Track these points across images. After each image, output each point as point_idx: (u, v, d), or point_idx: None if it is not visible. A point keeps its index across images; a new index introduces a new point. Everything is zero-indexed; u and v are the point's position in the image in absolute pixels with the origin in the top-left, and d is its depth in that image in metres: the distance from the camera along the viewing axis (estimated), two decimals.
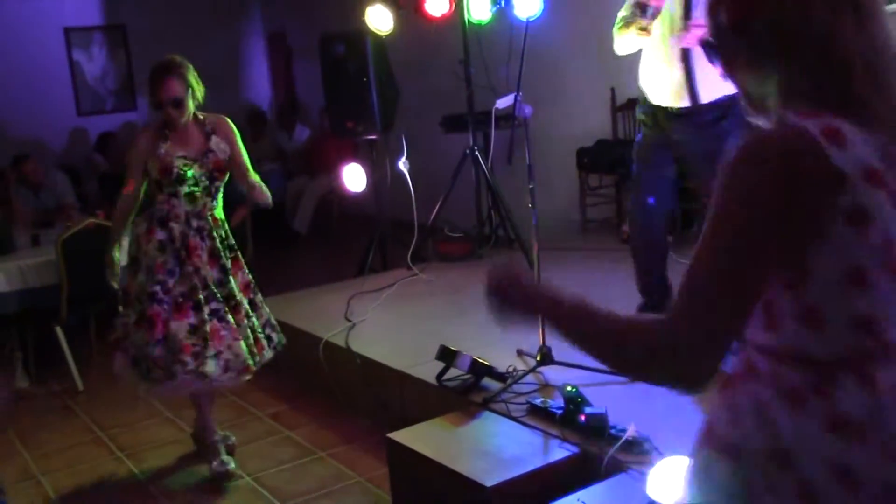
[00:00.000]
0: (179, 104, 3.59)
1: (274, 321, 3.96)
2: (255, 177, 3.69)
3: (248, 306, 3.76)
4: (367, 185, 6.31)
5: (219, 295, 3.64)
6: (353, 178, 6.15)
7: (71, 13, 9.44)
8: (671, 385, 1.29)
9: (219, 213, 3.77)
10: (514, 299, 1.39)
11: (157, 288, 3.58)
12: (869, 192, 1.18)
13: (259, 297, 3.89)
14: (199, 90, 3.67)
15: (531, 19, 4.26)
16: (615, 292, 4.02)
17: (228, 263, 3.72)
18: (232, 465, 3.78)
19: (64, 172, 7.20)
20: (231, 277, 3.70)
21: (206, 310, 3.58)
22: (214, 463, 3.77)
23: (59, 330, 5.01)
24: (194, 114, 3.69)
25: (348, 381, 4.41)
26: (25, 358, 5.24)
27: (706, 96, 3.69)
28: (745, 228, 1.20)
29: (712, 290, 1.21)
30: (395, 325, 4.77)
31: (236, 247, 3.83)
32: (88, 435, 4.43)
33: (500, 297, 1.41)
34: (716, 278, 1.21)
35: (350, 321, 4.79)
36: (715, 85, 3.50)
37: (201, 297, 3.58)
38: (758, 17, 1.26)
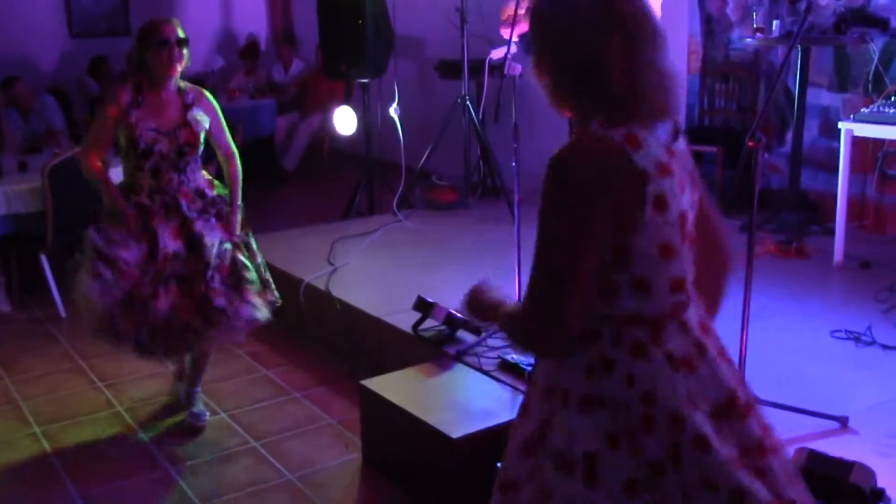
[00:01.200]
0: (185, 44, 3.44)
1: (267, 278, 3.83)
2: (233, 147, 3.68)
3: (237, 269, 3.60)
4: (358, 127, 6.30)
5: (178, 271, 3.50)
6: (344, 120, 6.15)
7: None
8: (543, 356, 1.63)
9: (196, 184, 3.58)
10: (477, 309, 1.73)
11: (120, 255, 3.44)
12: (663, 181, 1.49)
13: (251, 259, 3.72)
14: (188, 57, 3.52)
15: None
16: None
17: (200, 229, 3.53)
18: (206, 418, 3.80)
19: (53, 96, 7.14)
20: (202, 246, 3.51)
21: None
22: (189, 412, 3.83)
23: (43, 257, 5.05)
24: (178, 81, 3.55)
25: (327, 325, 4.47)
26: (8, 282, 5.28)
27: None
28: (571, 224, 1.46)
29: (549, 278, 1.49)
30: (376, 272, 4.83)
31: (224, 209, 3.65)
32: (69, 363, 4.50)
33: (470, 308, 1.74)
34: (551, 268, 1.49)
35: (332, 265, 4.84)
36: None
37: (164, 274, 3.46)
38: (542, 53, 1.54)
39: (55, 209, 4.92)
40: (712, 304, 1.76)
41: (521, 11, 3.99)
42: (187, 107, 3.52)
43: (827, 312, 4.08)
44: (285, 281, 4.77)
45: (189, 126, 3.49)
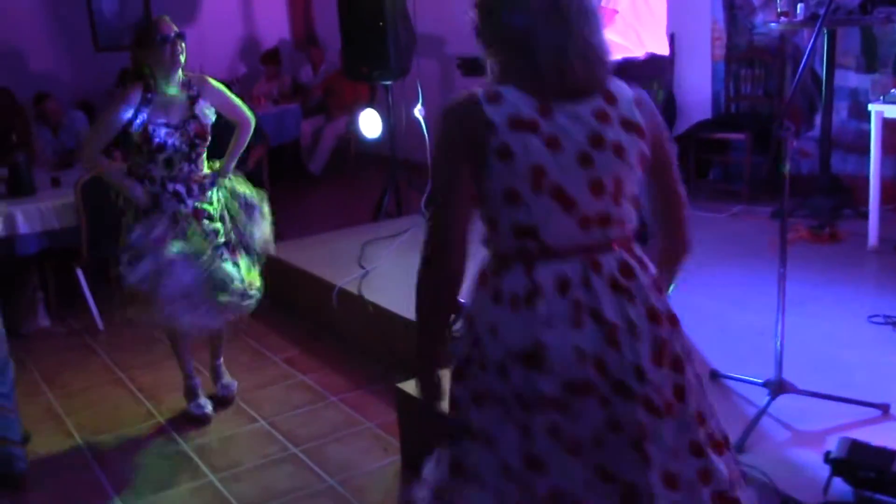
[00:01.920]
0: (182, 38, 3.59)
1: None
2: (248, 114, 3.88)
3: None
4: (383, 129, 6.32)
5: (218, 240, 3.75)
6: (369, 123, 6.16)
7: None
8: (441, 290, 1.77)
9: (201, 170, 3.78)
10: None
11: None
12: (513, 135, 1.65)
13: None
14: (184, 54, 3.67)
15: None
16: None
17: (213, 210, 3.78)
18: (235, 388, 4.13)
19: (82, 111, 7.23)
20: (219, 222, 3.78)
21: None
22: (219, 385, 4.14)
23: (79, 271, 5.13)
24: (181, 74, 3.68)
25: (361, 328, 4.50)
26: (46, 298, 5.36)
27: None
28: (441, 162, 1.74)
29: (436, 210, 1.75)
30: (408, 274, 4.80)
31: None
32: (109, 375, 4.56)
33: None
34: (436, 201, 1.74)
35: (363, 268, 4.87)
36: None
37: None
38: (480, 20, 1.73)
39: (89, 223, 4.98)
40: (671, 263, 1.92)
41: None
42: (193, 99, 3.68)
43: (863, 297, 4.03)
44: (318, 285, 4.81)
45: (197, 119, 3.66)
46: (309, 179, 8.53)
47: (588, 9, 1.71)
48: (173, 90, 3.63)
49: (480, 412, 1.74)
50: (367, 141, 7.41)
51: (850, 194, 5.40)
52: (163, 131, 3.57)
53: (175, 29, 3.59)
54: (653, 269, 1.78)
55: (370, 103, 7.79)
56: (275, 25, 10.57)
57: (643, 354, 1.67)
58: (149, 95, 3.58)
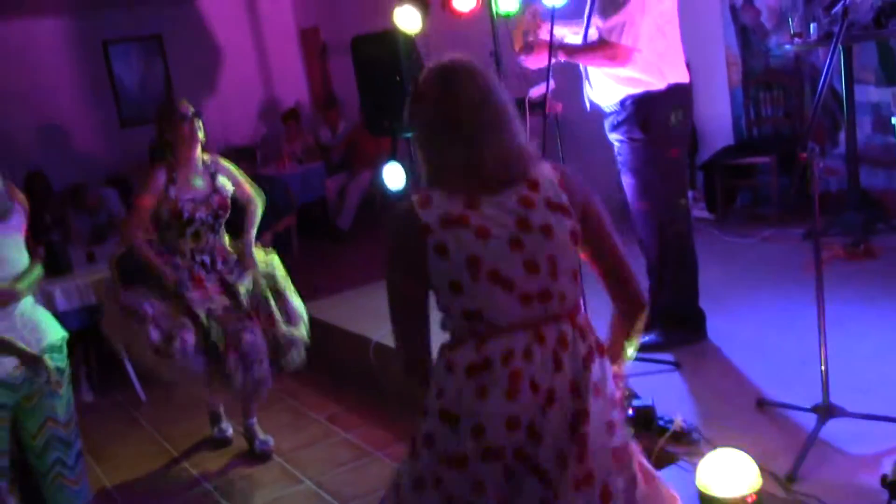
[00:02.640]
0: (199, 116, 3.84)
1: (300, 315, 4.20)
2: (253, 192, 4.16)
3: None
4: (407, 180, 6.36)
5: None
6: (393, 176, 6.21)
7: (109, 26, 9.63)
8: (417, 374, 1.95)
9: (224, 241, 4.08)
10: None
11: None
12: (446, 232, 1.83)
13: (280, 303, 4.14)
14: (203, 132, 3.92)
15: (558, 7, 4.25)
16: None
17: (234, 280, 4.01)
18: (272, 443, 4.24)
19: (113, 186, 7.38)
20: (242, 292, 4.00)
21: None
22: (256, 442, 4.24)
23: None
24: (201, 154, 3.95)
25: (400, 382, 4.49)
26: (89, 372, 5.42)
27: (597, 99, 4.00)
28: (390, 270, 1.94)
29: (394, 321, 1.97)
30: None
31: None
32: (154, 445, 4.59)
33: None
34: (390, 300, 1.96)
35: None
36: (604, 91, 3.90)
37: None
38: (414, 132, 1.94)
39: None
40: (620, 331, 2.07)
41: (538, 37, 4.04)
42: (213, 175, 3.96)
43: None
44: (354, 341, 4.83)
45: (219, 192, 3.94)
46: (338, 235, 8.59)
47: (494, 121, 1.89)
48: (195, 168, 3.88)
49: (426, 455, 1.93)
50: (392, 193, 7.47)
51: (881, 208, 5.34)
52: (191, 206, 3.83)
53: (192, 109, 3.85)
54: (595, 337, 1.94)
55: (393, 156, 7.85)
56: (293, 87, 10.77)
57: (560, 425, 1.83)
58: (174, 175, 3.83)
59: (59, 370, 2.98)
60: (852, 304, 4.10)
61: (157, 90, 10.05)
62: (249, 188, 4.16)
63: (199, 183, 3.91)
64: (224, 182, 3.98)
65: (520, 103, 6.07)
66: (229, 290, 3.98)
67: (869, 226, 5.12)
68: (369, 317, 5.05)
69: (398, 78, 5.82)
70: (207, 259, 3.97)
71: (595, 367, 1.89)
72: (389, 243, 1.93)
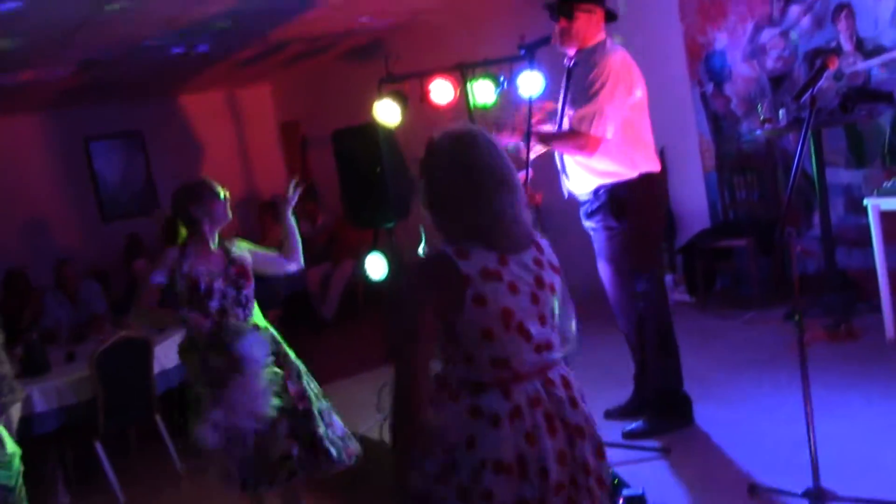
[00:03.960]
0: (226, 197, 3.70)
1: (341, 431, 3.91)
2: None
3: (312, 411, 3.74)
4: (390, 270, 6.38)
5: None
6: (375, 266, 6.23)
7: (90, 121, 9.73)
8: (410, 424, 1.96)
9: (258, 320, 3.74)
10: None
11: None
12: (486, 284, 1.96)
13: (316, 404, 3.83)
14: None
15: (534, 98, 4.35)
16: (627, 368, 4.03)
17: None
18: None
19: (95, 280, 7.33)
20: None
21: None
22: None
23: (98, 445, 5.08)
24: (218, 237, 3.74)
25: (385, 474, 4.41)
26: (65, 475, 5.28)
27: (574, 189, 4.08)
28: (407, 313, 1.99)
29: (402, 360, 1.96)
30: None
31: (284, 351, 3.78)
32: None
33: None
34: (399, 347, 1.98)
35: (382, 413, 4.82)
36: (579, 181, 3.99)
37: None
38: (428, 190, 2.06)
39: (105, 396, 4.97)
40: None
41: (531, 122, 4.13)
42: (227, 249, 3.73)
43: (892, 393, 3.97)
44: None
45: (236, 263, 3.68)
46: (321, 326, 8.55)
47: (513, 185, 2.05)
48: (209, 245, 3.67)
49: None
50: (374, 282, 7.48)
51: (859, 288, 5.40)
52: (207, 278, 3.58)
53: (220, 190, 3.73)
54: (574, 379, 2.13)
55: (374, 246, 7.89)
56: (273, 180, 10.86)
57: (588, 451, 2.04)
58: (186, 250, 3.63)
59: (6, 488, 2.85)
60: (839, 386, 4.10)
61: (138, 184, 10.11)
62: (273, 252, 3.93)
63: (215, 257, 3.66)
64: (240, 252, 3.74)
65: None
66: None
67: (848, 306, 5.17)
68: (353, 408, 4.99)
69: (378, 170, 5.90)
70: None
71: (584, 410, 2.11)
72: (414, 286, 2.01)
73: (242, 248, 3.80)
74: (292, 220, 3.98)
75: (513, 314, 1.99)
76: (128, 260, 8.84)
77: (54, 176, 9.61)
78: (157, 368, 5.22)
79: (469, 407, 1.99)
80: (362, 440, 4.53)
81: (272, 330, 3.77)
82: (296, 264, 3.94)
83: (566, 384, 2.08)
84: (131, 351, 5.11)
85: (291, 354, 3.80)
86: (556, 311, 2.10)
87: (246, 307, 3.69)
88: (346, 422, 4.75)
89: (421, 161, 2.11)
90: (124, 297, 7.78)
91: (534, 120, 4.14)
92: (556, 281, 2.11)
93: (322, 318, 8.65)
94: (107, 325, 6.10)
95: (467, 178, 2.01)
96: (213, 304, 3.60)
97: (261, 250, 3.91)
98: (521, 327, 2.01)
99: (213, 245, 3.69)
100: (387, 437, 4.44)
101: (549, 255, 2.14)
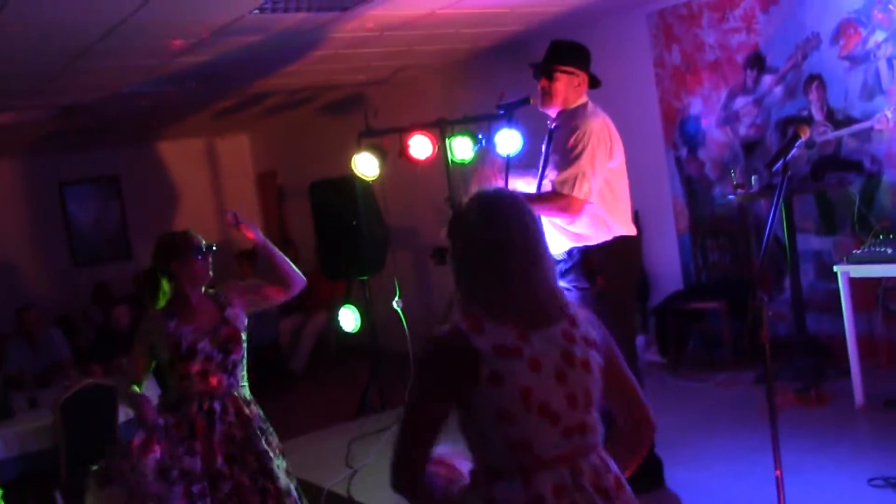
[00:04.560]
0: (213, 249, 3.43)
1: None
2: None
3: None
4: (363, 323, 6.36)
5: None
6: (348, 319, 6.21)
7: (65, 166, 9.69)
8: (397, 492, 1.92)
9: (244, 392, 3.44)
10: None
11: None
12: (501, 361, 1.82)
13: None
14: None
15: (512, 156, 4.38)
16: None
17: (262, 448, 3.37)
18: None
19: (59, 328, 7.24)
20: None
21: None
22: None
23: (58, 494, 4.96)
24: (205, 289, 3.49)
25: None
26: None
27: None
28: (421, 388, 1.89)
29: (401, 434, 1.90)
30: None
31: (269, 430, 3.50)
32: None
33: None
34: (403, 426, 1.90)
35: (351, 467, 4.75)
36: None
37: (193, 490, 3.25)
38: (452, 259, 1.94)
39: (68, 444, 4.87)
40: (631, 457, 2.06)
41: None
42: (222, 306, 3.43)
43: (861, 460, 3.98)
44: (306, 490, 4.66)
45: (229, 323, 3.39)
46: (291, 378, 8.46)
47: (543, 254, 1.94)
48: (198, 301, 3.42)
49: None
50: (346, 334, 7.45)
51: (829, 354, 5.44)
52: (192, 337, 3.30)
53: (205, 242, 3.45)
54: (614, 466, 1.94)
55: (347, 298, 7.87)
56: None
57: None
58: (172, 310, 3.37)
59: None
60: (809, 451, 4.11)
61: (112, 230, 10.06)
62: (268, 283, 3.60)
63: (205, 314, 3.39)
64: (238, 315, 3.43)
65: None
66: (228, 453, 3.32)
67: (819, 371, 5.20)
68: (321, 464, 4.92)
69: (355, 223, 5.92)
70: (218, 406, 3.32)
71: (624, 497, 1.92)
72: (427, 364, 1.90)
73: (233, 295, 3.48)
74: (267, 241, 3.57)
75: (533, 393, 1.82)
76: (101, 307, 8.74)
77: (26, 219, 9.54)
78: (122, 417, 5.13)
79: (485, 497, 1.85)
80: (329, 496, 4.46)
81: (257, 408, 3.48)
82: (297, 281, 3.59)
83: (599, 473, 1.89)
84: (97, 398, 5.02)
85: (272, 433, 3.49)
86: (593, 391, 1.91)
87: (232, 374, 3.39)
88: (313, 476, 4.70)
89: (448, 227, 1.99)
90: (93, 344, 7.69)
91: (488, 173, 4.18)
92: (593, 357, 1.92)
93: (292, 371, 8.57)
94: (72, 371, 6.01)
95: (492, 255, 1.89)
96: (195, 367, 3.31)
97: (253, 284, 3.64)
98: (545, 408, 1.83)
99: (202, 300, 3.42)
100: (353, 493, 4.38)
101: (586, 328, 1.96)
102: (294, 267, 3.59)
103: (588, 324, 1.97)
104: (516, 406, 1.82)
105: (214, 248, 3.46)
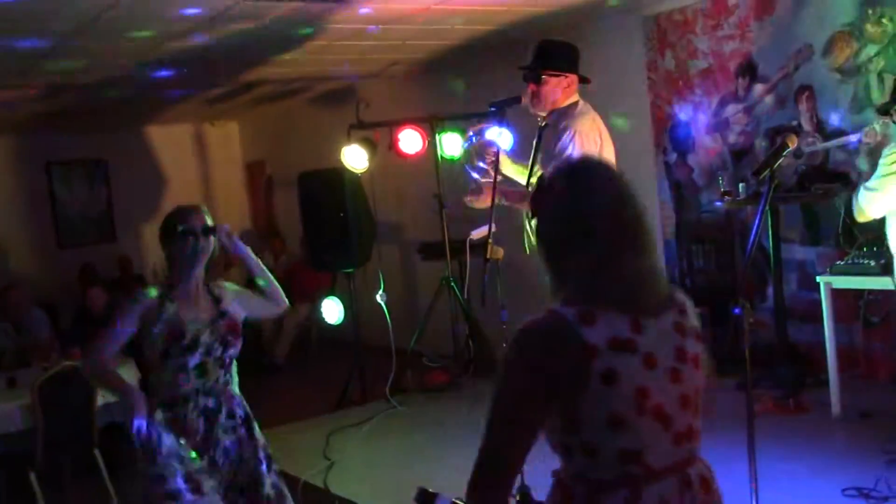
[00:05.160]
0: (211, 232, 3.13)
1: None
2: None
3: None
4: (345, 315, 6.36)
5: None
6: (331, 311, 6.21)
7: (54, 147, 9.62)
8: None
9: (234, 388, 3.20)
10: None
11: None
12: (616, 357, 1.57)
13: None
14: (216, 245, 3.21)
15: (506, 150, 4.37)
16: None
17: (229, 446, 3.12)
18: None
19: (42, 309, 7.19)
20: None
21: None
22: None
23: (32, 476, 4.92)
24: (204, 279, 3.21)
25: None
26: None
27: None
28: (516, 390, 1.61)
29: (492, 450, 1.61)
30: (375, 463, 4.74)
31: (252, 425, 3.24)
32: None
33: None
34: (494, 439, 1.61)
35: (329, 459, 4.75)
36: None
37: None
38: (540, 237, 1.73)
39: (46, 425, 4.84)
40: None
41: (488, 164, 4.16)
42: (217, 298, 3.19)
43: (835, 469, 4.01)
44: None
45: (228, 315, 3.16)
46: (272, 369, 8.44)
47: (649, 227, 1.71)
48: (196, 288, 3.14)
49: None
50: (329, 326, 7.44)
51: (809, 363, 5.47)
52: (194, 328, 3.04)
53: (207, 221, 3.14)
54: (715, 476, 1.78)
55: (332, 290, 7.86)
56: (236, 218, 10.80)
57: None
58: (174, 292, 3.09)
59: None
60: (784, 459, 4.13)
61: (97, 213, 10.00)
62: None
63: (203, 304, 3.13)
64: (234, 307, 3.19)
65: (461, 245, 6.20)
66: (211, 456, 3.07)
67: (798, 379, 5.23)
68: (299, 454, 4.92)
69: (342, 215, 5.91)
70: (214, 405, 3.07)
71: None
72: (523, 361, 1.61)
73: (230, 293, 3.25)
74: (251, 254, 3.34)
75: (649, 394, 1.58)
76: (82, 288, 8.68)
77: (11, 198, 9.47)
78: (101, 401, 5.11)
79: None
80: (305, 487, 4.46)
81: (245, 404, 3.24)
82: (281, 303, 3.38)
83: (706, 485, 1.70)
84: (76, 381, 4.99)
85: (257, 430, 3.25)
86: (700, 391, 1.69)
87: (227, 370, 3.15)
88: (290, 467, 4.69)
89: (531, 200, 1.78)
90: (72, 327, 7.65)
91: (488, 162, 4.16)
92: (701, 352, 1.70)
93: (273, 361, 8.55)
94: (53, 354, 5.97)
95: (600, 229, 1.64)
96: (193, 361, 3.04)
97: (248, 294, 3.36)
98: (659, 411, 1.60)
99: (200, 287, 3.15)
100: (330, 485, 4.37)
101: (692, 318, 1.72)
102: (279, 289, 3.40)
103: (693, 314, 1.74)
104: (630, 409, 1.57)
105: (214, 229, 3.16)
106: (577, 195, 1.68)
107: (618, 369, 1.56)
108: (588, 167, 1.76)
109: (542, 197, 1.74)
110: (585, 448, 1.60)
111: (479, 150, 4.20)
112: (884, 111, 3.93)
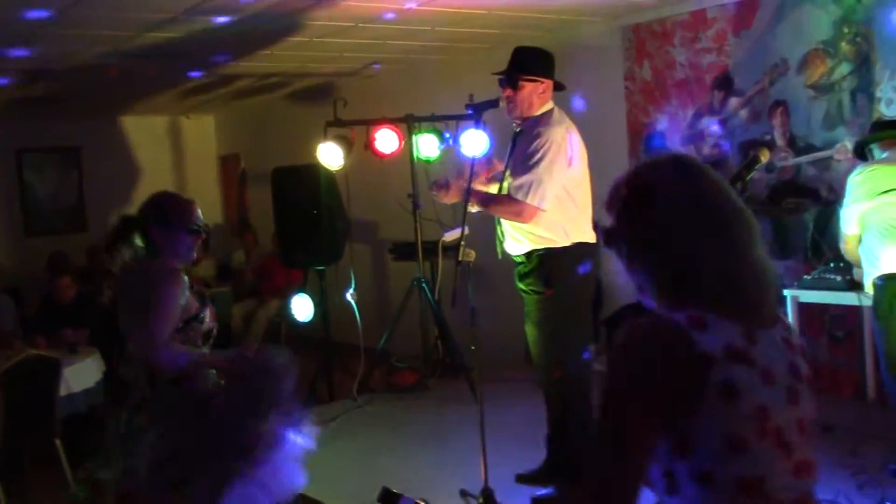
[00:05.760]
0: (207, 232, 3.10)
1: None
2: None
3: None
4: (315, 312, 6.34)
5: None
6: (301, 308, 6.18)
7: (26, 134, 9.50)
8: None
9: None
10: None
11: None
12: (734, 368, 1.38)
13: None
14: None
15: (477, 157, 4.39)
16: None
17: None
18: None
19: (8, 295, 7.10)
20: None
21: None
22: None
23: None
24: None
25: None
26: None
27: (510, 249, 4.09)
28: (625, 411, 1.38)
29: (606, 461, 1.38)
30: (339, 462, 4.72)
31: None
32: None
33: None
34: (609, 451, 1.38)
35: None
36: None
37: None
38: (626, 232, 1.55)
39: (7, 416, 4.77)
40: None
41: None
42: (200, 293, 3.14)
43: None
44: None
45: (210, 306, 3.12)
46: None
47: (744, 222, 1.51)
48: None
49: None
50: (298, 323, 7.41)
51: None
52: (206, 312, 3.03)
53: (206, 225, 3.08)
54: None
55: (302, 287, 7.83)
56: (208, 210, 10.69)
57: None
58: (185, 277, 3.00)
59: None
60: None
61: (68, 201, 9.88)
62: None
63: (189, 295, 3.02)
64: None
65: (433, 246, 6.21)
66: None
67: None
68: None
69: (315, 212, 5.89)
70: None
71: None
72: (633, 372, 1.40)
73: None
74: None
75: (770, 414, 1.38)
76: (51, 277, 8.57)
77: None
78: (63, 391, 5.05)
79: None
80: None
81: None
82: None
83: None
84: (39, 371, 4.94)
85: None
86: (813, 417, 1.49)
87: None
88: None
89: (625, 199, 1.55)
90: (37, 314, 7.55)
91: (480, 178, 4.20)
92: (808, 374, 1.51)
93: None
94: (16, 341, 5.89)
95: (710, 218, 1.46)
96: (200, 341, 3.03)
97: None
98: (780, 435, 1.39)
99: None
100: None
101: (797, 336, 1.55)
102: None
103: (794, 329, 1.59)
104: (751, 431, 1.37)
105: (208, 232, 3.09)
106: (703, 189, 1.50)
107: (736, 383, 1.37)
108: (696, 161, 1.58)
109: (645, 190, 1.52)
110: (699, 475, 1.38)
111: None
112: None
